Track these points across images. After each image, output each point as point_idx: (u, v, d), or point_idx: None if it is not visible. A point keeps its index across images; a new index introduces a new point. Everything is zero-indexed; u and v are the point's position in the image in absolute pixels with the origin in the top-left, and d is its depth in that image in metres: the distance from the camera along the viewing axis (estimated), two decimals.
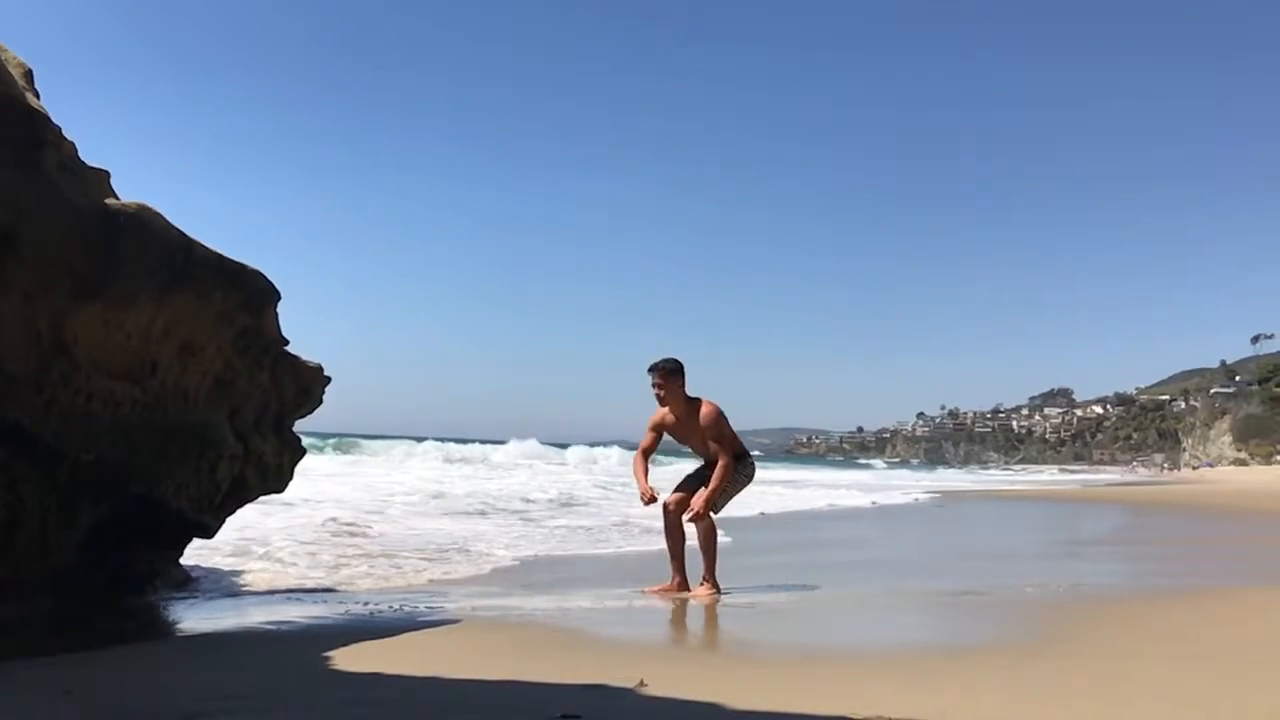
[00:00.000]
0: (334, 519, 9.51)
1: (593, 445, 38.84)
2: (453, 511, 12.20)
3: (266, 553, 7.35)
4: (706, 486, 6.20)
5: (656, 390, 6.33)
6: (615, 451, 35.74)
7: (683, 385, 6.36)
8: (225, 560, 6.85)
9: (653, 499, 6.15)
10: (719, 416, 6.33)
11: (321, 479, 16.17)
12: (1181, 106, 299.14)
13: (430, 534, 9.53)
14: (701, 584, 6.09)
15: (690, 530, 6.25)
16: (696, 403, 6.35)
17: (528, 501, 14.41)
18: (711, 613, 5.54)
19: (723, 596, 5.93)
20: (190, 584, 6.02)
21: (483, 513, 12.42)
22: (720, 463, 6.21)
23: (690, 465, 6.67)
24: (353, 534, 8.88)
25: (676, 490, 6.40)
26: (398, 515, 11.16)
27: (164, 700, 3.13)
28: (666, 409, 6.38)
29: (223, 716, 2.90)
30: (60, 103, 4.18)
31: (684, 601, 5.86)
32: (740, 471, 6.35)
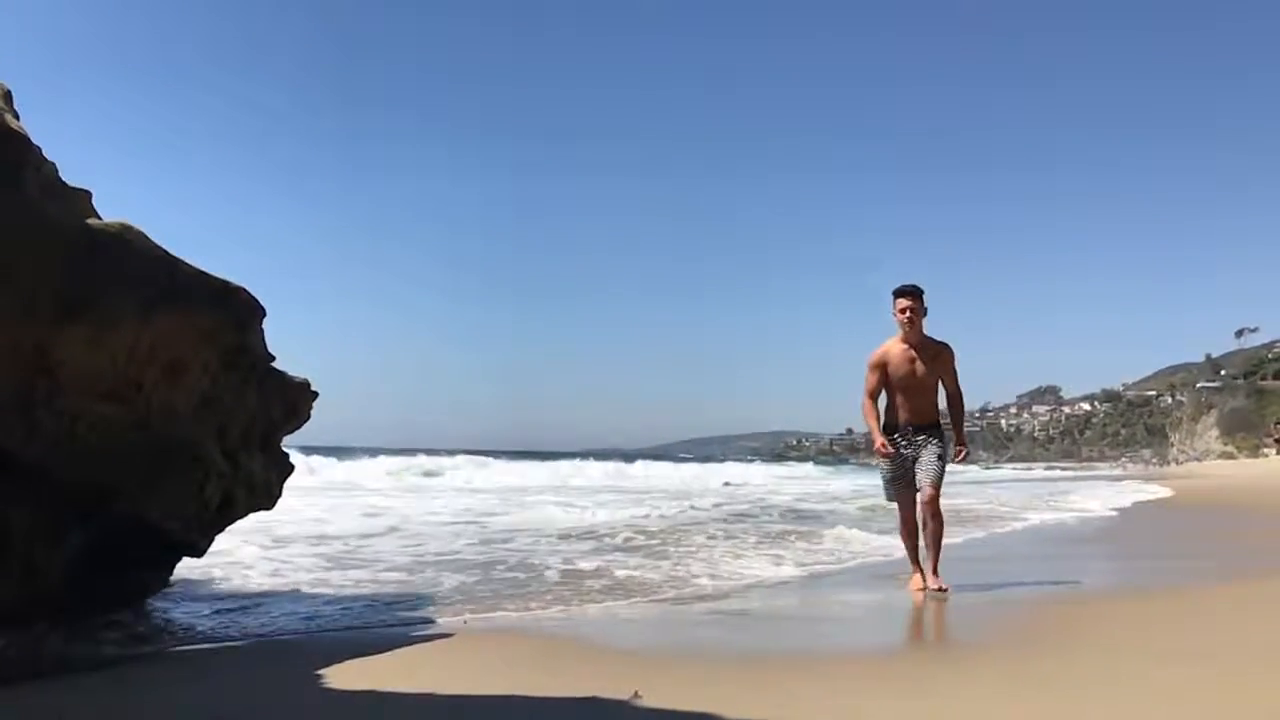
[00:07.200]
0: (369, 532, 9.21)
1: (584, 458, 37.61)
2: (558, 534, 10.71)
3: (274, 570, 7.25)
4: (954, 424, 6.19)
5: (906, 315, 5.99)
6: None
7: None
8: (219, 577, 6.80)
9: (885, 451, 5.93)
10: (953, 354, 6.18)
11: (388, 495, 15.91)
12: (1171, 100, 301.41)
13: (514, 553, 8.61)
14: (933, 577, 6.01)
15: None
16: (931, 339, 6.14)
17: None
18: (708, 620, 5.53)
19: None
20: (181, 603, 5.96)
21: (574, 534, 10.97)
22: (951, 393, 6.13)
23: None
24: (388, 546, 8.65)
25: (898, 492, 6.15)
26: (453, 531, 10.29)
27: None
28: (889, 346, 6.08)
29: None
30: (41, 121, 4.16)
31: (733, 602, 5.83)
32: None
